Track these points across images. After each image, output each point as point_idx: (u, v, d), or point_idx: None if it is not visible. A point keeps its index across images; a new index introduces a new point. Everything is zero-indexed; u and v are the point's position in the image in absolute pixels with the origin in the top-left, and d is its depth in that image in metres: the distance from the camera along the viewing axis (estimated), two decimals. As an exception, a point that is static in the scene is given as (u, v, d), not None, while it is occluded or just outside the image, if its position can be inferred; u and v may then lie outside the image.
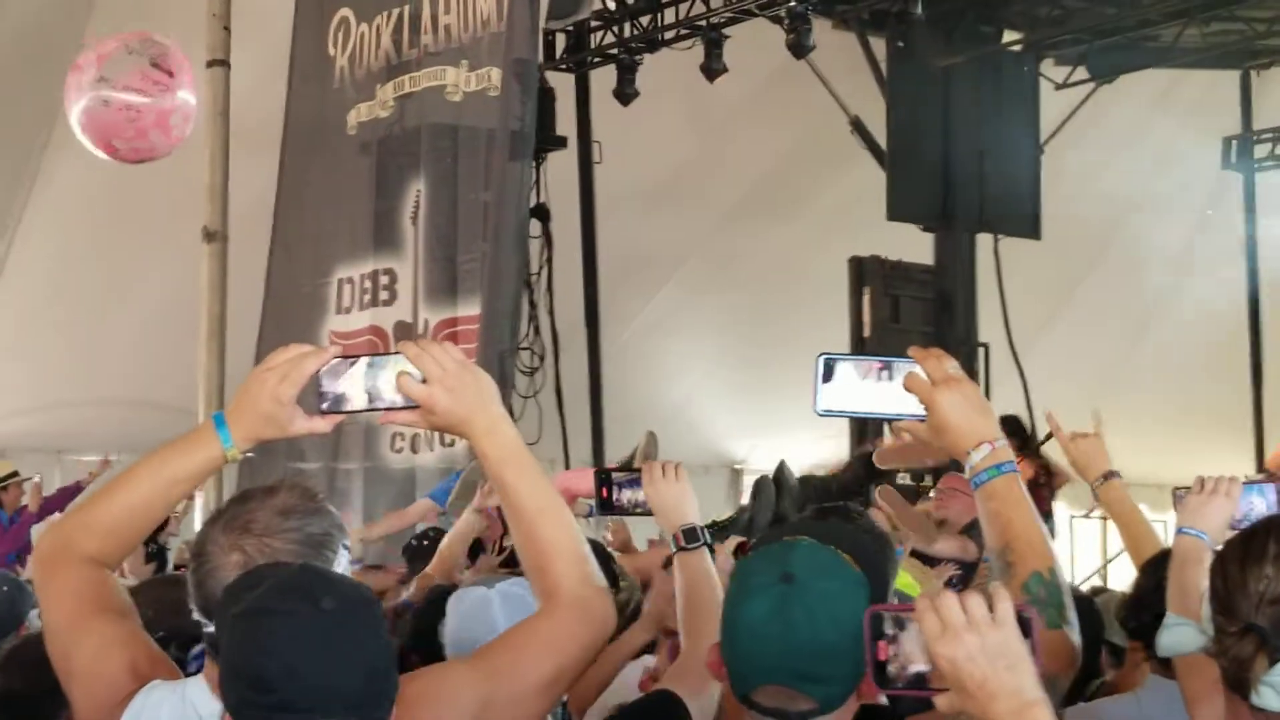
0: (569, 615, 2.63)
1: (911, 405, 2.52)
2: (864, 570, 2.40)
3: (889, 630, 2.04)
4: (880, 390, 2.53)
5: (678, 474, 3.56)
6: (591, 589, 2.67)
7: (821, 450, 16.21)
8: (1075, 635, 2.49)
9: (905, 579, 4.15)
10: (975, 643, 1.96)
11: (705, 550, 3.43)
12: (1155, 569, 3.69)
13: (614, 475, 3.92)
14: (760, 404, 16.38)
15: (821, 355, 2.52)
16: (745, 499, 11.88)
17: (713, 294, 16.02)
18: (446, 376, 2.59)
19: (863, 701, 2.34)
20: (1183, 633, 2.43)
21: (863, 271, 13.41)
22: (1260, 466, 14.61)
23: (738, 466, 17.46)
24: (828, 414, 2.53)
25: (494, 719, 2.55)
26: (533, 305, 12.96)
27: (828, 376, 2.52)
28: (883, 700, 2.29)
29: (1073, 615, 2.49)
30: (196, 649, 3.02)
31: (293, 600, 2.26)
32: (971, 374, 14.02)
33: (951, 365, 2.51)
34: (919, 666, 2.03)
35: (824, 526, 2.67)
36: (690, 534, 3.44)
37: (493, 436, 2.65)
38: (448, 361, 2.60)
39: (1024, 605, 2.04)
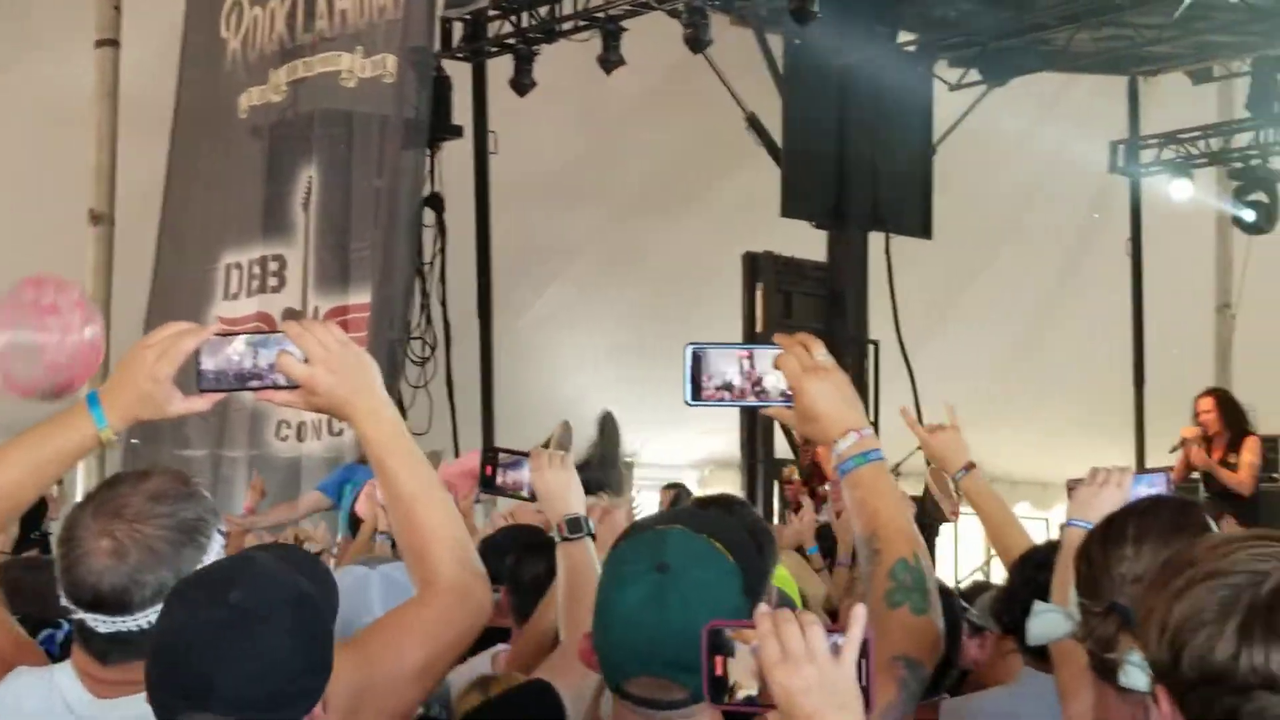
0: (447, 601, 2.61)
1: (778, 393, 2.52)
2: (738, 562, 2.39)
3: (728, 646, 2.03)
4: (749, 379, 2.53)
5: (563, 463, 3.55)
6: (470, 574, 2.65)
7: (713, 445, 16.29)
8: (939, 621, 2.50)
9: (782, 574, 4.16)
10: (813, 675, 1.95)
11: (588, 540, 3.43)
12: (1028, 563, 3.72)
13: (500, 455, 3.91)
14: (652, 399, 16.35)
15: (689, 345, 2.52)
16: (635, 492, 11.92)
17: (607, 288, 16.01)
18: (330, 357, 2.56)
19: None
20: (1050, 619, 2.46)
21: (756, 267, 13.46)
22: (1140, 467, 14.85)
23: (629, 460, 17.46)
24: (696, 404, 2.53)
25: (368, 706, 2.51)
26: (425, 295, 12.91)
27: (696, 366, 2.52)
28: None
29: (937, 601, 2.51)
30: (44, 634, 2.95)
31: (201, 590, 2.23)
32: (861, 371, 14.14)
33: (820, 353, 2.52)
34: (753, 686, 2.02)
35: (700, 516, 2.66)
36: (574, 524, 3.44)
37: (375, 420, 2.62)
38: (331, 342, 2.57)
39: (869, 630, 2.03)
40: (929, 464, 8.89)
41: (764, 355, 2.53)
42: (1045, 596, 2.57)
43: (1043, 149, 16.37)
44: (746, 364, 2.53)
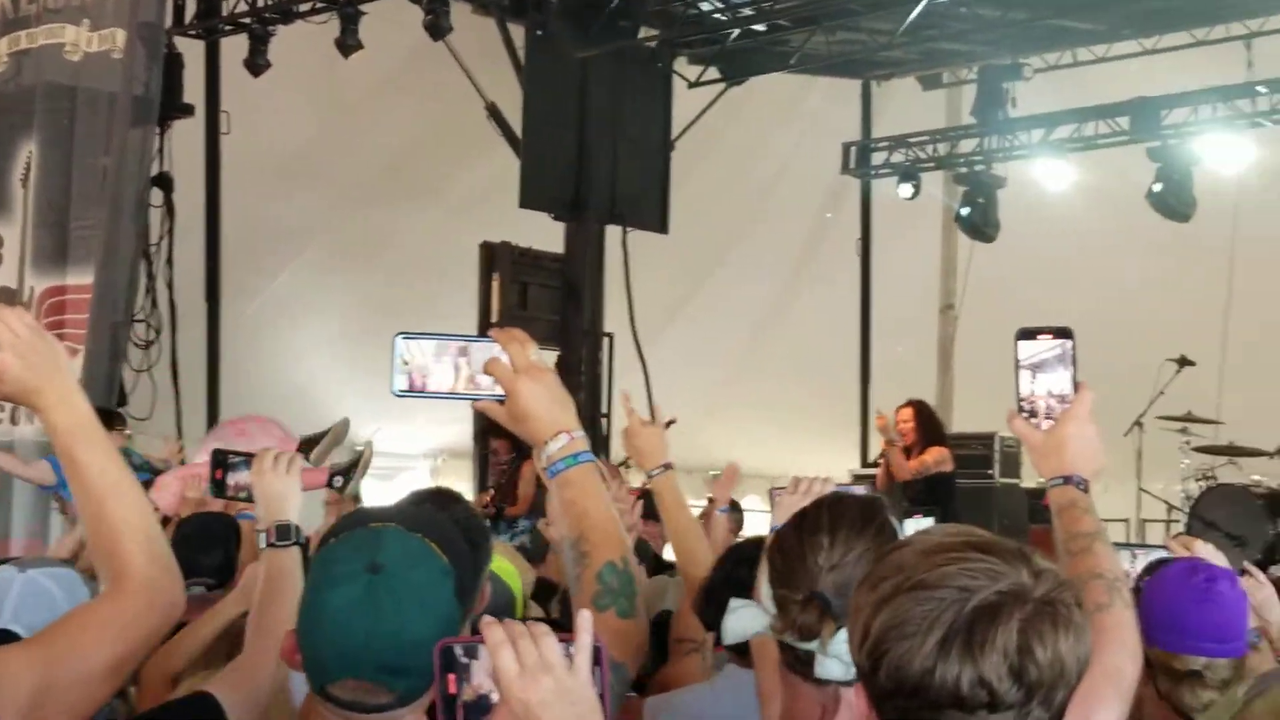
0: (136, 599, 2.52)
1: (490, 387, 2.48)
2: (451, 560, 2.36)
3: (460, 662, 2.00)
4: (460, 371, 2.49)
5: (289, 468, 3.44)
6: (160, 569, 2.56)
7: (446, 434, 16.19)
8: (644, 624, 2.50)
9: (505, 565, 4.15)
10: (550, 686, 1.93)
11: (296, 550, 3.33)
12: (731, 558, 3.78)
13: (230, 457, 3.80)
14: (385, 387, 16.14)
15: (399, 335, 2.47)
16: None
17: (341, 274, 15.77)
18: (19, 343, 2.45)
19: None
20: (746, 614, 2.48)
21: (493, 257, 13.45)
22: (865, 461, 15.23)
23: (359, 448, 17.25)
24: (405, 395, 2.47)
25: (51, 705, 2.42)
26: (150, 277, 12.63)
27: (407, 356, 2.47)
28: None
29: (641, 605, 2.51)
30: None
31: None
32: (595, 363, 14.10)
33: (533, 351, 2.49)
34: (486, 698, 1.99)
35: (414, 514, 2.62)
36: (283, 531, 3.35)
37: (65, 408, 2.52)
38: (19, 327, 2.46)
39: (599, 636, 2.02)
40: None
41: (477, 349, 2.49)
42: (746, 593, 2.58)
43: (778, 148, 16.68)
44: (459, 357, 2.48)
